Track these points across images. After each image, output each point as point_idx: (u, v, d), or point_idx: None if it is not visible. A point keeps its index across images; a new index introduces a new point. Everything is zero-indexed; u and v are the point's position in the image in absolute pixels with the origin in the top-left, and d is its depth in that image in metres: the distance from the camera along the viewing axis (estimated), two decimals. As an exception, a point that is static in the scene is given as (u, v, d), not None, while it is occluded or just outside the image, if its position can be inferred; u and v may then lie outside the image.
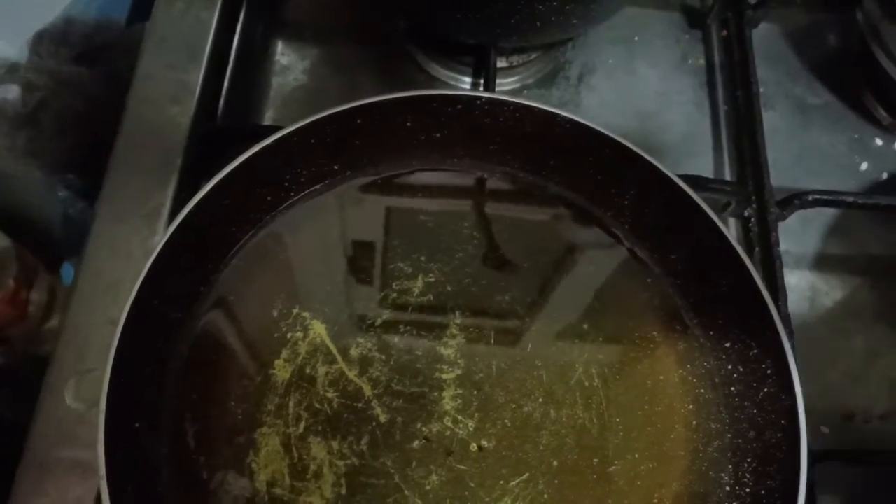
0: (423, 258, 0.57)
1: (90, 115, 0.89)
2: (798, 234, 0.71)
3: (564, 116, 0.54)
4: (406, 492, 0.49)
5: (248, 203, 0.55)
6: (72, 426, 0.54)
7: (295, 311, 0.54)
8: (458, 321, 0.55)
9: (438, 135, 0.58)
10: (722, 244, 0.53)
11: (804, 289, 0.70)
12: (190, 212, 0.49)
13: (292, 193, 0.57)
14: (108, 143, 0.68)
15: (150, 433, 0.49)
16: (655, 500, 0.49)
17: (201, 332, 0.53)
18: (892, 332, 0.67)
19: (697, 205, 0.53)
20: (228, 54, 0.72)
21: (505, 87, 0.74)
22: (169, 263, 0.49)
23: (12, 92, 0.90)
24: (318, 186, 0.58)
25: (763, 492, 0.49)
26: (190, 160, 0.64)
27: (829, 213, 0.72)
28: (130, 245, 0.61)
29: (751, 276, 0.51)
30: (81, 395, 0.55)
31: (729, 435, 0.51)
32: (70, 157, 0.90)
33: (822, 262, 0.71)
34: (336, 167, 0.58)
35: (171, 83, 0.68)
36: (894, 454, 0.61)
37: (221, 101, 0.70)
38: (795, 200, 0.64)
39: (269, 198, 0.56)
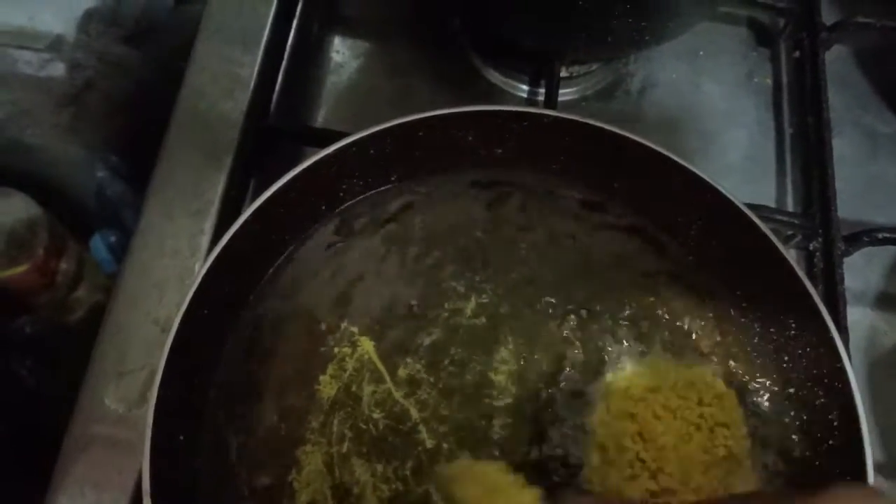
0: (477, 278, 0.55)
1: (137, 98, 0.88)
2: (861, 270, 0.68)
3: (635, 140, 0.52)
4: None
5: (303, 211, 0.53)
6: (111, 426, 0.53)
7: (343, 325, 0.53)
8: (510, 346, 0.53)
9: (500, 150, 0.56)
10: (793, 283, 0.50)
11: (864, 327, 0.67)
12: (247, 220, 0.48)
13: (347, 203, 0.55)
14: (153, 128, 0.67)
15: (193, 446, 0.48)
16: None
17: (248, 343, 0.51)
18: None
19: (769, 239, 0.51)
20: (284, 48, 0.70)
21: (564, 97, 0.71)
22: (221, 271, 0.48)
23: (58, 69, 0.89)
24: (372, 197, 0.56)
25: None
26: (241, 158, 0.63)
27: (894, 249, 0.69)
28: (178, 243, 0.59)
29: (823, 318, 0.49)
30: (121, 396, 0.54)
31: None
32: (113, 138, 0.89)
33: (883, 301, 0.68)
34: (392, 178, 0.56)
35: (224, 76, 0.66)
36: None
37: (274, 98, 0.68)
38: (864, 237, 0.62)
39: (323, 206, 0.54)
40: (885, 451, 0.61)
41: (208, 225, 0.60)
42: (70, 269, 0.83)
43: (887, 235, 0.62)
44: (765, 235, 0.51)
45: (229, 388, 0.50)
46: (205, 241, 0.59)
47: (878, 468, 0.56)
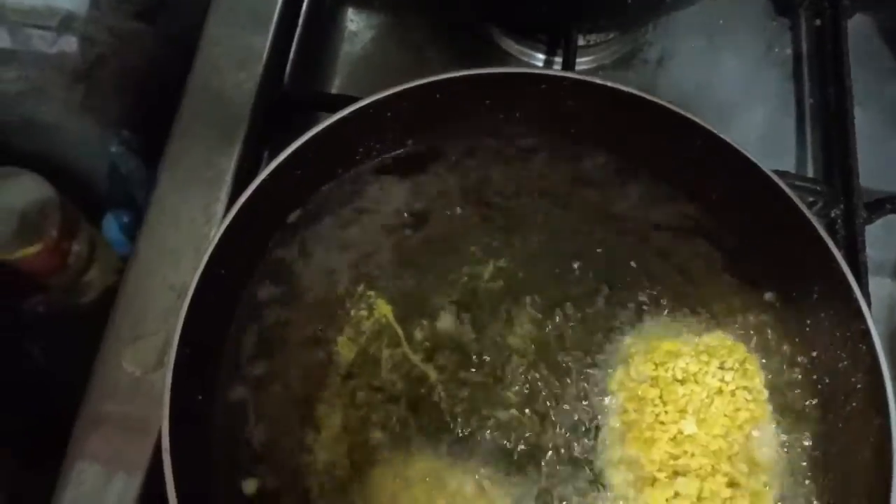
0: (494, 242, 0.54)
1: (149, 73, 0.88)
2: (881, 241, 0.67)
3: (658, 103, 0.51)
4: (467, 482, 0.48)
5: (319, 174, 0.53)
6: (128, 390, 0.53)
7: (360, 288, 0.52)
8: (528, 310, 0.53)
9: (518, 114, 0.55)
10: (817, 248, 0.50)
11: (883, 297, 0.66)
12: (263, 180, 0.47)
13: (363, 166, 0.55)
14: (166, 103, 0.66)
15: (210, 405, 0.48)
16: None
17: (264, 305, 0.51)
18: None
19: (793, 202, 0.50)
20: (297, 19, 0.70)
21: (581, 66, 0.70)
22: (238, 232, 0.48)
23: (71, 45, 0.89)
24: (389, 160, 0.55)
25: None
26: (255, 127, 0.63)
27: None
28: (193, 211, 0.59)
29: (848, 282, 0.48)
30: (138, 359, 0.54)
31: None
32: (126, 114, 0.89)
33: (904, 271, 0.67)
34: (409, 142, 0.55)
35: (237, 48, 0.65)
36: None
37: (288, 68, 0.68)
38: (887, 205, 0.61)
39: (339, 170, 0.54)
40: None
41: (223, 193, 0.60)
42: (82, 250, 0.83)
43: (910, 203, 0.61)
44: (789, 199, 0.50)
45: (246, 347, 0.50)
46: (219, 208, 0.59)
47: None
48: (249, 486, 0.47)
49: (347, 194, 0.54)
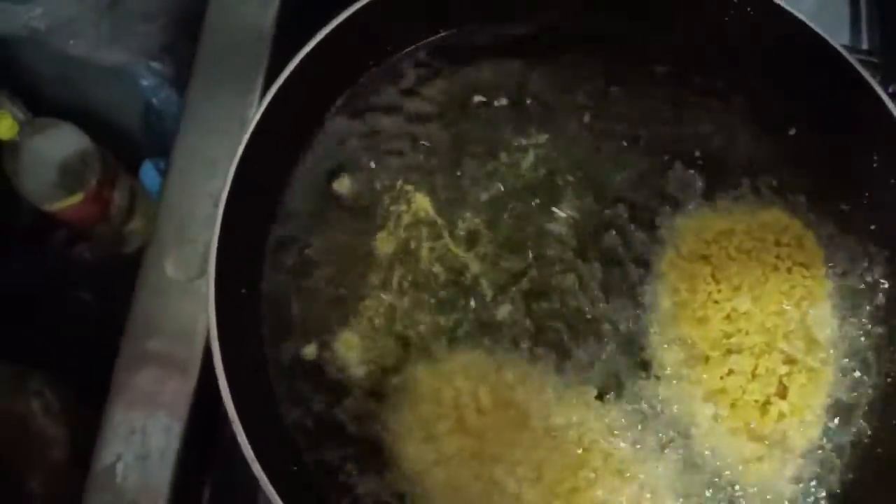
0: (533, 129, 0.52)
1: (173, -3, 0.87)
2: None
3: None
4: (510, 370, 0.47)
5: (348, 66, 0.51)
6: (174, 298, 0.53)
7: (398, 183, 0.51)
8: (569, 198, 0.51)
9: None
10: (876, 111, 0.47)
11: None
12: (288, 77, 0.46)
13: (394, 56, 0.53)
14: (195, 26, 0.65)
15: (254, 300, 0.48)
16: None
17: (301, 202, 0.50)
18: None
19: (849, 63, 0.47)
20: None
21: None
22: (269, 131, 0.47)
23: (95, -23, 0.88)
24: (421, 49, 0.53)
25: None
26: (284, 29, 0.61)
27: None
28: (225, 121, 0.58)
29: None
30: (182, 266, 0.54)
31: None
32: (155, 42, 0.88)
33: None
34: (440, 28, 0.53)
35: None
36: None
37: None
38: (951, 74, 0.57)
39: (370, 61, 0.52)
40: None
41: (254, 98, 0.59)
42: (123, 200, 0.84)
43: (978, 69, 0.57)
44: (852, 67, 0.47)
45: (288, 245, 0.49)
46: (253, 114, 0.58)
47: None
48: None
49: (382, 87, 0.53)
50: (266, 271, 0.49)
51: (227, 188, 0.45)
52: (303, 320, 0.48)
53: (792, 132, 0.51)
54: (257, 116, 0.46)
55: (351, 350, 0.48)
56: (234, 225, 0.45)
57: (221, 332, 0.41)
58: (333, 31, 0.48)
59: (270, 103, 0.46)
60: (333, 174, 0.51)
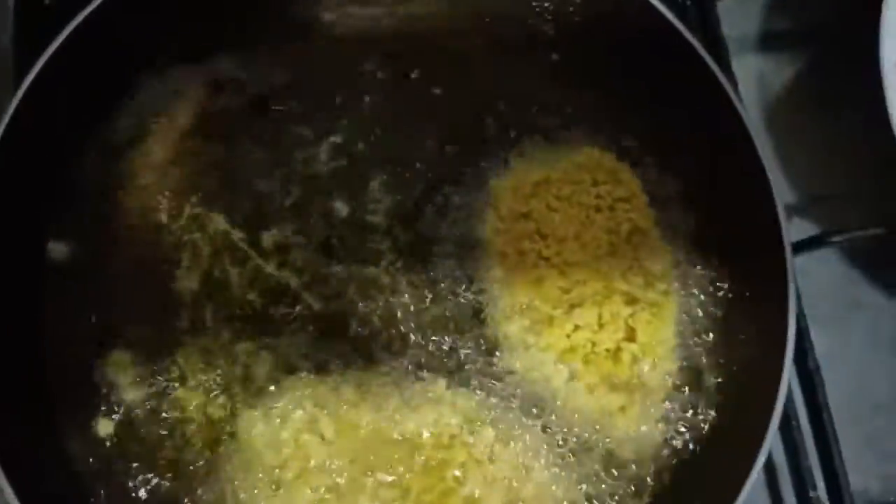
0: (322, 115, 0.48)
1: None
2: (735, 16, 0.63)
3: None
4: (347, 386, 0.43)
5: (95, 86, 0.45)
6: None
7: (186, 208, 0.46)
8: (380, 181, 0.47)
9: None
10: (670, 36, 0.45)
11: (752, 75, 0.63)
12: (13, 114, 0.39)
13: (150, 64, 0.46)
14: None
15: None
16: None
17: (67, 261, 0.44)
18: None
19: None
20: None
21: None
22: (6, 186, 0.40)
23: None
24: (179, 52, 0.47)
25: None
26: (23, 62, 0.52)
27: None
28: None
29: (709, 67, 0.44)
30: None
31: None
32: None
33: (765, 42, 0.64)
34: (198, 26, 0.47)
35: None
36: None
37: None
38: (733, -28, 0.56)
39: (120, 75, 0.46)
40: (794, 190, 0.58)
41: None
42: None
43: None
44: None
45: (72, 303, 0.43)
46: None
47: (789, 210, 0.53)
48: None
49: (138, 101, 0.46)
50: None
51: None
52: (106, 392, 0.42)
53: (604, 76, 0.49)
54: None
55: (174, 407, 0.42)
56: None
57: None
58: (60, 48, 0.41)
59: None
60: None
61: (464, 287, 0.45)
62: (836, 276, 0.56)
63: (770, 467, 0.49)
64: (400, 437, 0.41)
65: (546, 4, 0.49)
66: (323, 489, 0.39)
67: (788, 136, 0.61)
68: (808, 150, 0.60)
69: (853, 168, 0.59)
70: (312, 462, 0.40)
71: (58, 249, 0.44)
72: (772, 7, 0.65)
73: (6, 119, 0.39)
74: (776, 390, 0.39)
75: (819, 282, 0.55)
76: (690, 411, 0.44)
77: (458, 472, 0.41)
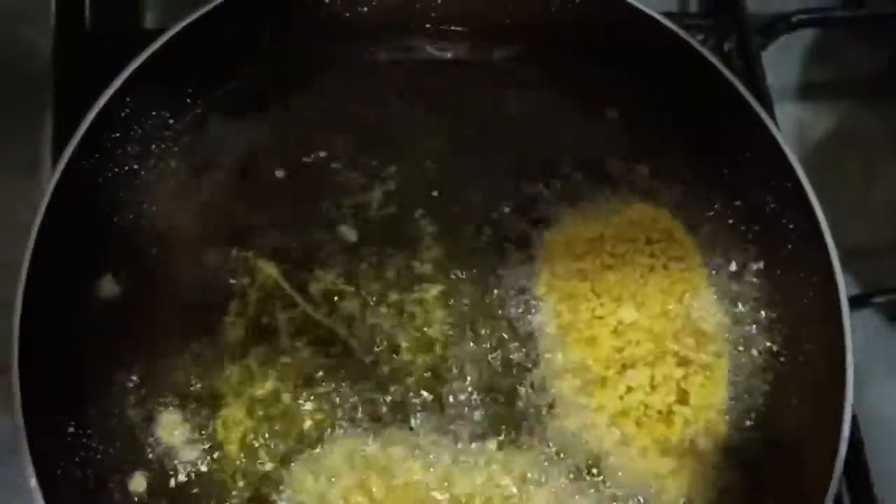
0: (375, 162, 0.47)
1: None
2: (776, 66, 0.63)
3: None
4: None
5: (147, 129, 0.44)
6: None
7: (234, 252, 0.45)
8: (431, 230, 0.46)
9: (364, 8, 0.47)
10: (719, 85, 0.45)
11: (791, 123, 0.63)
12: (70, 158, 0.38)
13: (200, 106, 0.46)
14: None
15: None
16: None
17: (119, 304, 0.43)
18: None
19: (684, 40, 0.45)
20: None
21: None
22: (59, 228, 0.39)
23: None
24: (230, 92, 0.46)
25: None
26: (64, 87, 0.51)
27: (808, 36, 0.64)
28: (14, 208, 0.49)
29: (759, 117, 0.44)
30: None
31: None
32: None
33: (805, 91, 0.64)
34: (245, 64, 0.46)
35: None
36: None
37: (87, 8, 0.55)
38: (779, 25, 0.57)
39: (171, 119, 0.45)
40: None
41: (44, 175, 0.49)
42: None
43: (802, 17, 0.57)
44: (679, 37, 0.45)
45: (114, 357, 0.42)
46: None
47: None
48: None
49: (188, 144, 0.45)
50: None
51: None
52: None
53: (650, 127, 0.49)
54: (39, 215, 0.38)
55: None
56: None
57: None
58: (121, 87, 0.40)
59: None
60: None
61: (517, 346, 0.44)
62: (873, 334, 0.56)
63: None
64: (451, 500, 0.40)
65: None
66: (373, 555, 0.39)
67: (827, 187, 0.61)
68: (847, 203, 0.60)
69: (893, 221, 0.60)
70: (364, 525, 0.39)
71: (108, 287, 0.43)
72: (811, 56, 0.65)
73: (69, 152, 0.38)
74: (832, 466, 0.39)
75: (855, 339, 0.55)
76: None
77: (510, 534, 0.40)
